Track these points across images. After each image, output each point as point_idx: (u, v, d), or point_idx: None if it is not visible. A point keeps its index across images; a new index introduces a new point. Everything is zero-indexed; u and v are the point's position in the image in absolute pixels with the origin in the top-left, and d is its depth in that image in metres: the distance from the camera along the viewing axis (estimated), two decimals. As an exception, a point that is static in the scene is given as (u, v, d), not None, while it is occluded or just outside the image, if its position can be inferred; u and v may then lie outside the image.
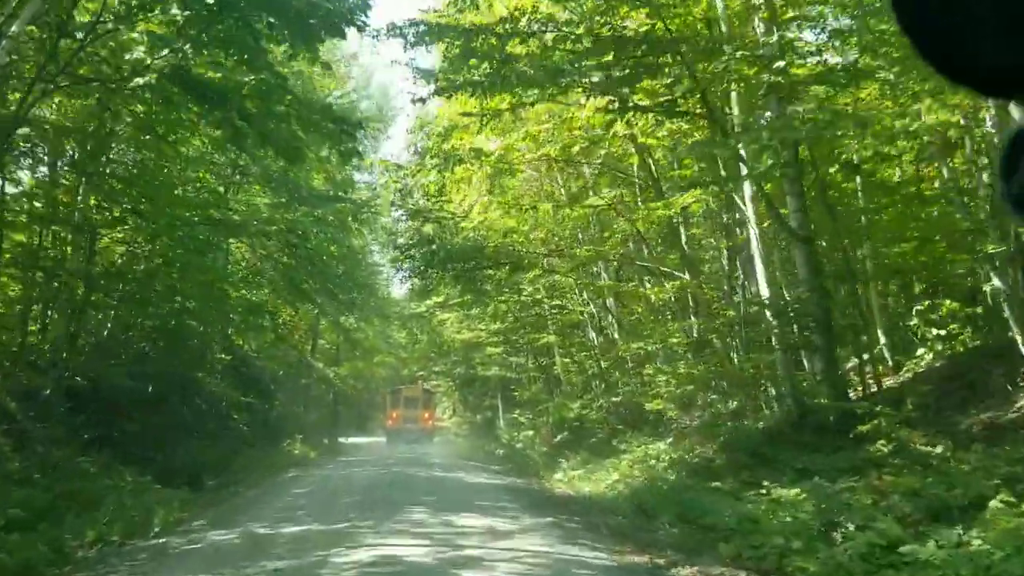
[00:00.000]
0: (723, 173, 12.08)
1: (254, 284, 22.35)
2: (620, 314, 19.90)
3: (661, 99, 10.95)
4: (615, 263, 18.09)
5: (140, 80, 9.03)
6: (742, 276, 13.81)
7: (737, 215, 13.75)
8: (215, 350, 23.85)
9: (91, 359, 17.38)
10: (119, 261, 15.40)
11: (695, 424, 16.33)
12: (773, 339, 11.62)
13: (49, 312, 15.38)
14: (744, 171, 10.88)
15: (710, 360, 14.42)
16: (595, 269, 19.95)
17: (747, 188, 11.82)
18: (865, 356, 12.08)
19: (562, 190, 19.01)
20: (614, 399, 17.93)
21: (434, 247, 18.13)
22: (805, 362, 13.10)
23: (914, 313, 11.70)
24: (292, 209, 17.15)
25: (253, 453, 19.86)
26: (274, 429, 25.50)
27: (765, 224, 12.06)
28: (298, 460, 21.32)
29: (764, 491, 8.17)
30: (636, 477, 12.36)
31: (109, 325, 19.79)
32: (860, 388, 11.57)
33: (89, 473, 12.32)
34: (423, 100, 11.87)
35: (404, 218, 20.27)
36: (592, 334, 23.25)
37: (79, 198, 13.29)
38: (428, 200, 19.26)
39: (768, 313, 11.54)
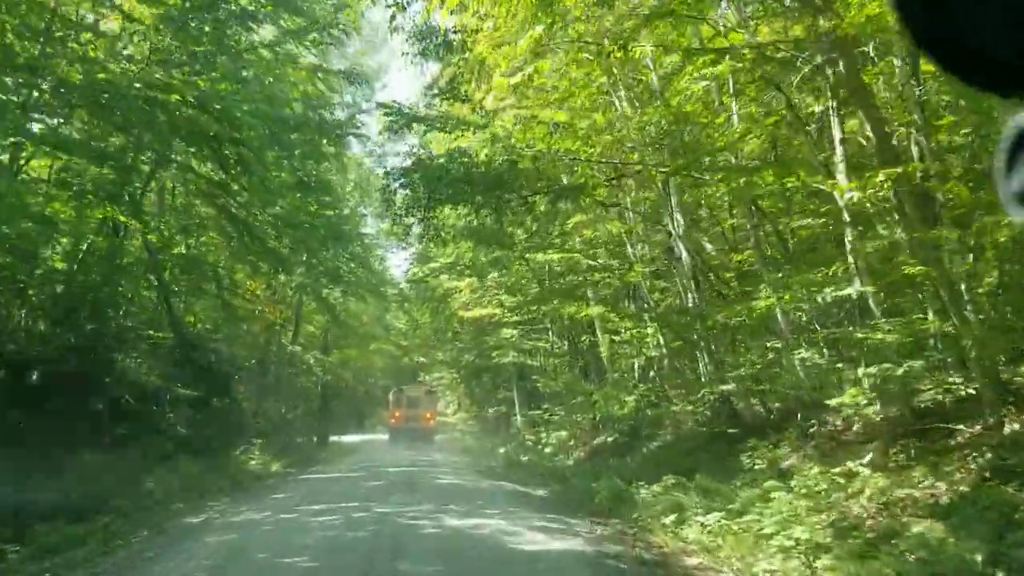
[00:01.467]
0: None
1: (189, 225, 16.33)
2: (706, 264, 13.89)
3: None
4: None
5: None
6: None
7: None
8: (140, 325, 17.87)
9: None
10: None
11: (855, 426, 10.52)
12: None
13: None
14: None
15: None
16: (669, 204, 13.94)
17: None
18: None
19: (621, 93, 12.91)
20: (724, 387, 11.85)
21: (442, 162, 12.13)
22: None
23: None
24: (201, 66, 10.83)
25: (184, 468, 13.91)
26: (230, 430, 19.55)
27: None
28: (245, 478, 15.08)
29: None
30: (844, 534, 6.36)
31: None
32: None
33: None
34: None
35: (400, 126, 14.04)
36: (648, 297, 17.22)
37: None
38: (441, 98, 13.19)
39: None
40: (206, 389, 20.48)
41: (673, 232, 13.19)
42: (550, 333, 27.29)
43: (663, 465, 13.81)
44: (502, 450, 30.13)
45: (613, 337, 18.36)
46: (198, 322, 21.47)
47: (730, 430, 11.55)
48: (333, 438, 39.42)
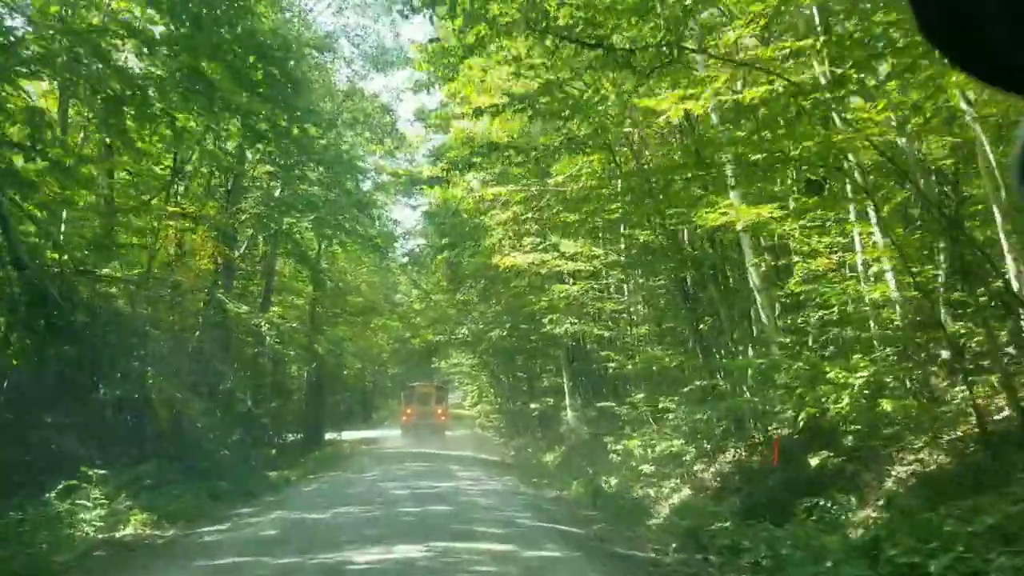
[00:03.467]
0: None
1: None
2: None
3: None
4: None
5: None
6: None
7: None
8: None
9: None
10: None
11: None
12: None
13: None
14: None
15: None
16: None
17: None
18: None
19: None
20: None
21: None
22: None
23: None
24: None
25: None
26: (110, 441, 11.00)
27: None
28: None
29: None
30: None
31: None
32: None
33: None
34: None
35: None
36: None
37: None
38: None
39: None
40: (71, 369, 12.04)
41: None
42: (627, 288, 18.57)
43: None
44: (548, 458, 21.55)
45: (808, 263, 9.58)
46: (66, 256, 12.87)
47: None
48: (332, 435, 31.49)
